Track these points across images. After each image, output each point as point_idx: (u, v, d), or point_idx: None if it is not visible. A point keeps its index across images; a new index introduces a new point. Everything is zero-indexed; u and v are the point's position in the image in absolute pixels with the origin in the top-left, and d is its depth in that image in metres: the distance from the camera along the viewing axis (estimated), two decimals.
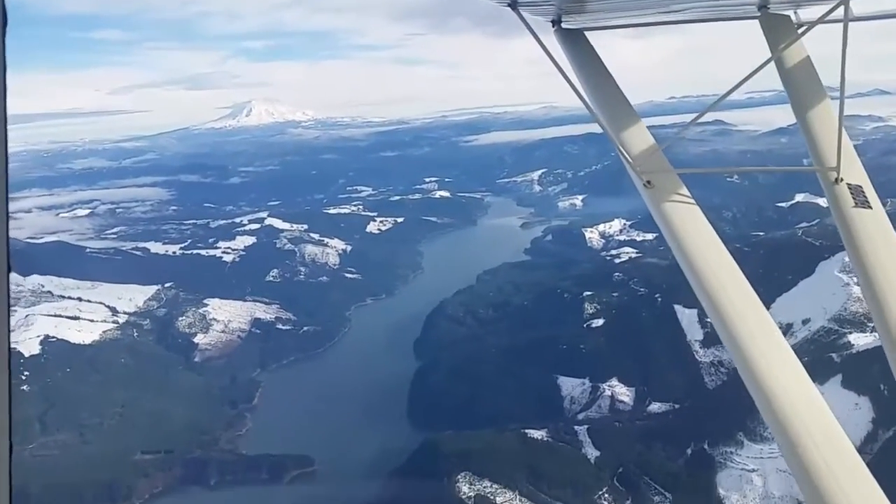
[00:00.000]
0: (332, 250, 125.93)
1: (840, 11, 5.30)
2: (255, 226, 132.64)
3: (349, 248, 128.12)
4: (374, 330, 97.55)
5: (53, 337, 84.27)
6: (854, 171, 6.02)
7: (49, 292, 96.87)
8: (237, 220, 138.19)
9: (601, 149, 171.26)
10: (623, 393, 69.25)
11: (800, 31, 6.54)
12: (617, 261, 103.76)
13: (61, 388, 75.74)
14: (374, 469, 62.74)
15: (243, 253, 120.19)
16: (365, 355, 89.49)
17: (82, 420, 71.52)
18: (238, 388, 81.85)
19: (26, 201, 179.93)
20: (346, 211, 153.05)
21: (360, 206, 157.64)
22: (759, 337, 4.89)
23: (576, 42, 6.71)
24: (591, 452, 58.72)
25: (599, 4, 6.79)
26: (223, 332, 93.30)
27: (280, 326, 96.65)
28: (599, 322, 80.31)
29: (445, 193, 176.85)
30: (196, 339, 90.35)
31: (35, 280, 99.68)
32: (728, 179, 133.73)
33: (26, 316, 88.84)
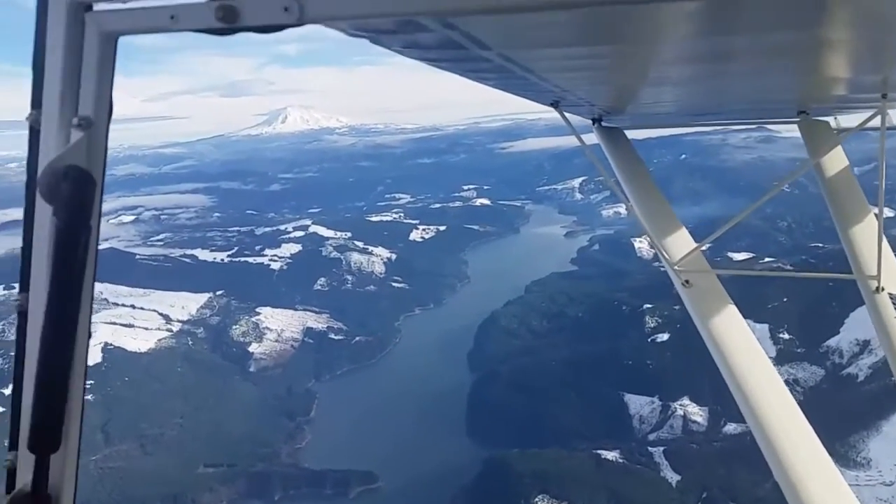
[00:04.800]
0: (378, 259, 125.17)
1: (878, 119, 5.40)
2: (300, 233, 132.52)
3: (394, 256, 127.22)
4: (425, 341, 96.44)
5: (111, 344, 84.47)
6: (894, 280, 6.12)
7: (105, 299, 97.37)
8: (281, 227, 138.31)
9: (645, 156, 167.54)
10: (696, 412, 66.93)
11: (839, 137, 6.81)
12: None
13: (121, 398, 75.74)
14: (441, 487, 61.27)
15: (290, 261, 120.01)
16: (418, 367, 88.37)
17: (143, 430, 71.28)
18: (295, 400, 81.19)
19: None
20: (388, 218, 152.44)
21: (401, 214, 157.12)
22: (802, 450, 5.12)
23: (616, 139, 7.05)
24: (671, 476, 56.67)
25: (640, 106, 6.92)
26: (277, 341, 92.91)
27: (332, 336, 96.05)
28: (664, 336, 77.98)
29: (486, 201, 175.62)
30: (251, 349, 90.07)
31: None
32: (784, 189, 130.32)
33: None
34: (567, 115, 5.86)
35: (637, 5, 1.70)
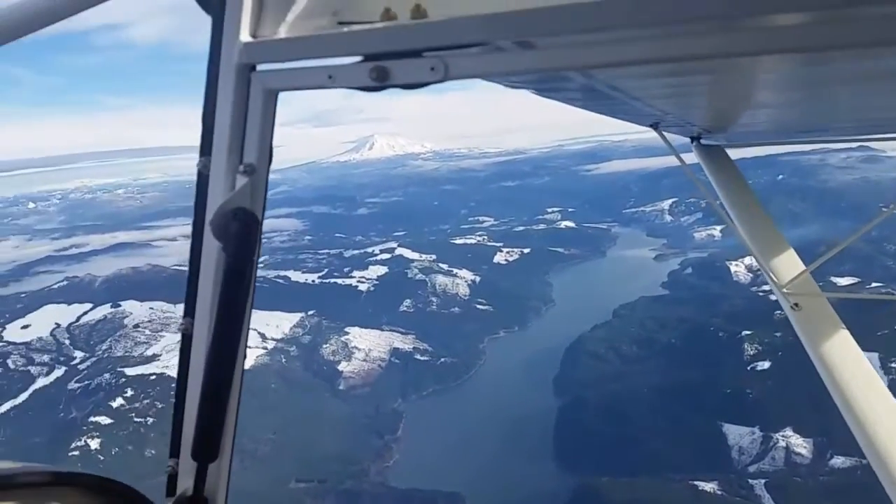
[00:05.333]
0: (462, 281, 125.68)
1: None
2: (386, 256, 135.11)
3: (478, 278, 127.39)
4: (510, 364, 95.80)
5: None
6: None
7: None
8: (368, 249, 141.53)
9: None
10: (800, 444, 63.00)
11: None
12: (772, 297, 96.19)
13: None
14: None
15: (377, 282, 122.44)
16: (503, 389, 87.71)
17: (241, 445, 73.59)
18: (382, 418, 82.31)
19: (171, 230, 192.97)
20: (472, 241, 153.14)
21: (485, 237, 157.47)
22: None
23: (716, 157, 6.87)
24: None
25: (742, 125, 6.66)
26: (364, 360, 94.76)
27: (418, 357, 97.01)
28: (765, 364, 74.14)
29: (570, 223, 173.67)
30: (340, 367, 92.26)
31: None
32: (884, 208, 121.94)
33: (178, 342, 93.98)
34: (666, 134, 5.77)
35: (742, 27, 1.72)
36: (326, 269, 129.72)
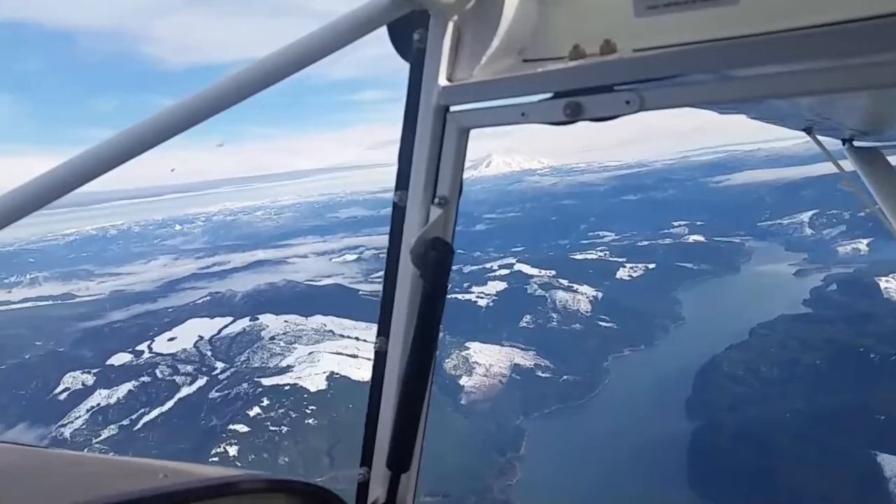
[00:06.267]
0: (583, 297, 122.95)
1: None
2: (505, 271, 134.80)
3: (600, 294, 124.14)
4: (636, 383, 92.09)
5: (337, 374, 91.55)
6: None
7: (331, 331, 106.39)
8: (487, 265, 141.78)
9: None
10: None
11: None
12: None
13: (346, 424, 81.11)
14: None
15: (496, 298, 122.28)
16: (630, 410, 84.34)
17: None
18: (504, 435, 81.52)
19: (303, 247, 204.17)
20: (593, 256, 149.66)
21: (607, 252, 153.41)
22: None
23: (872, 160, 6.45)
24: None
25: None
26: (485, 375, 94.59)
27: (539, 374, 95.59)
28: None
29: (699, 238, 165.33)
30: (462, 382, 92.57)
31: (318, 320, 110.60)
32: None
33: (310, 353, 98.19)
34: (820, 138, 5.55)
35: None
36: (449, 285, 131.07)
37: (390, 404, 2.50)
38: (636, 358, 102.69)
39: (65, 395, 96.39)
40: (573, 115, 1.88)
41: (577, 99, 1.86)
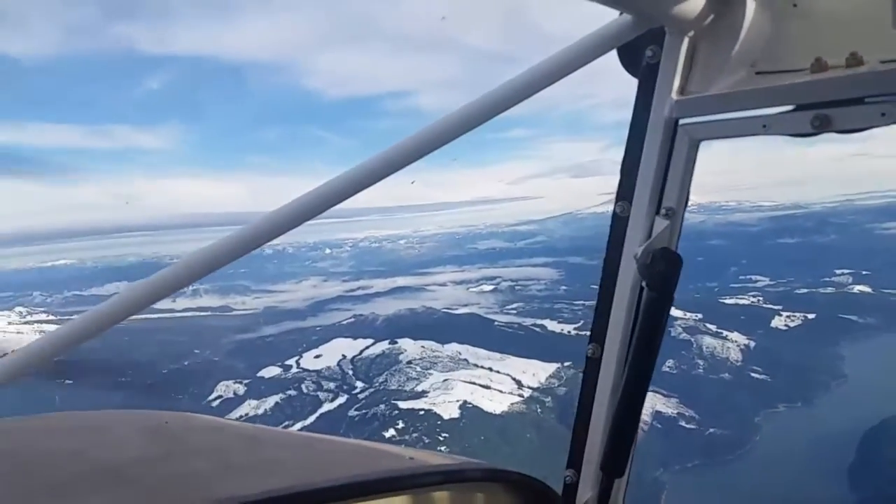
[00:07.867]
0: (733, 345, 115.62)
1: None
2: None
3: (752, 343, 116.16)
4: (792, 443, 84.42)
5: (470, 403, 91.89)
6: None
7: (465, 360, 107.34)
8: None
9: None
10: None
11: None
12: None
13: (476, 454, 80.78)
14: None
15: None
16: (784, 473, 77.32)
17: None
18: (642, 486, 76.77)
19: (442, 276, 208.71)
20: (745, 302, 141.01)
21: (760, 298, 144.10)
22: None
23: None
24: None
25: None
26: None
27: (683, 424, 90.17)
28: None
29: (866, 288, 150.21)
30: None
31: (453, 347, 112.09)
32: None
33: (444, 380, 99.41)
34: None
35: None
36: (582, 321, 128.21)
37: (603, 409, 2.54)
38: (792, 415, 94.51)
39: (217, 402, 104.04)
40: (821, 127, 1.86)
41: (825, 111, 1.84)
